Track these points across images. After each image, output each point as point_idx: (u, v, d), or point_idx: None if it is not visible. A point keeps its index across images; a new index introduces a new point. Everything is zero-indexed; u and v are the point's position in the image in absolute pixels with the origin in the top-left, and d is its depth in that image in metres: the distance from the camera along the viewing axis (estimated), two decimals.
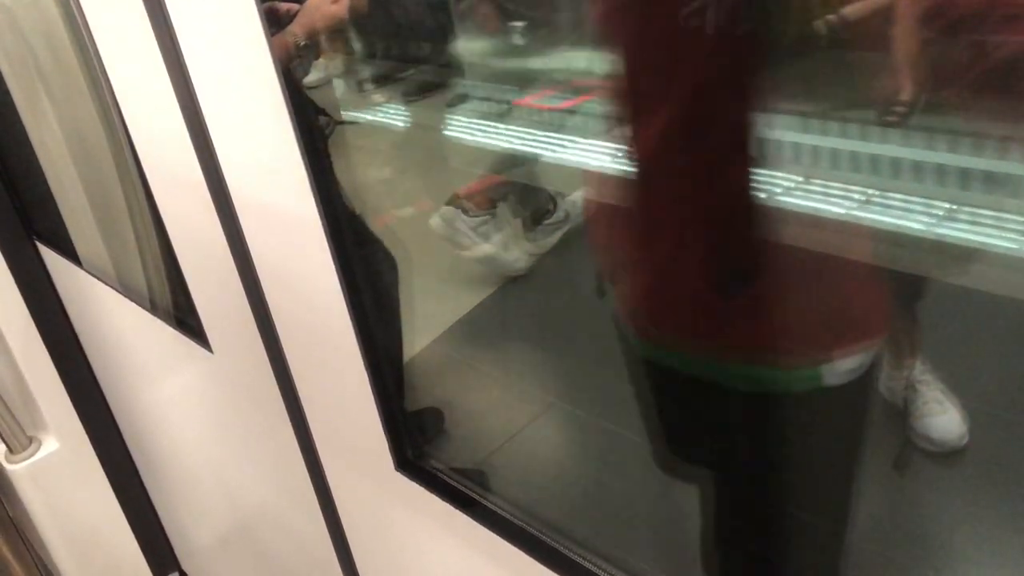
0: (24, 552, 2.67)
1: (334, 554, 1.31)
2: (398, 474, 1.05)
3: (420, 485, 1.02)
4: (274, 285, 1.08)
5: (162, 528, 2.17)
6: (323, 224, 0.92)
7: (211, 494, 1.80)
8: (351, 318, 0.97)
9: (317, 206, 0.92)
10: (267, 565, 1.73)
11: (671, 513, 1.66)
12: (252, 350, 1.18)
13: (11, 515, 2.61)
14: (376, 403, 1.01)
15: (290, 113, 0.88)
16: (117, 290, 1.61)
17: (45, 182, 1.78)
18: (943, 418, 1.47)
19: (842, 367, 0.86)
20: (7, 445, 1.95)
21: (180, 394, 1.63)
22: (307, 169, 0.90)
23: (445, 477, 1.02)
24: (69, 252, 1.76)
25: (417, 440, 1.07)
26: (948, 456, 1.50)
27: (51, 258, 1.83)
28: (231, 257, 1.10)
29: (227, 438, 1.54)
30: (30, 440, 1.98)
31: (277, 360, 1.15)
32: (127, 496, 2.08)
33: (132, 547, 2.15)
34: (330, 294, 0.97)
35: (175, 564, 2.23)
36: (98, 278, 1.66)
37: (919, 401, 1.50)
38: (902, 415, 1.53)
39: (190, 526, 2.07)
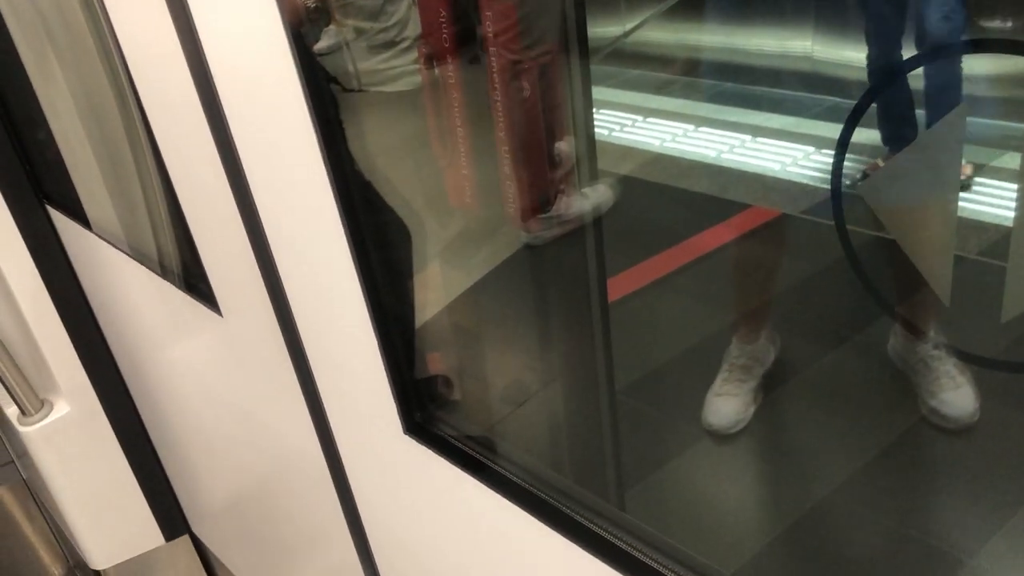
0: (36, 513, 2.71)
1: (343, 517, 1.32)
2: (407, 438, 1.05)
3: (429, 449, 1.03)
4: (285, 251, 1.08)
5: (172, 491, 2.19)
6: (334, 191, 0.92)
7: (220, 458, 1.82)
8: (361, 284, 0.97)
9: (328, 173, 0.91)
10: (276, 528, 1.74)
11: (680, 477, 1.67)
12: (262, 314, 1.18)
13: (24, 477, 2.65)
14: (385, 368, 1.02)
15: (301, 78, 0.87)
16: (127, 253, 1.61)
17: (55, 145, 1.78)
18: (955, 393, 1.46)
19: None
20: (20, 408, 1.97)
21: (190, 357, 1.64)
22: (318, 136, 0.89)
23: (454, 441, 1.02)
24: (79, 215, 1.76)
25: (427, 405, 1.07)
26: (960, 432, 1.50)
27: (61, 221, 1.83)
28: (240, 220, 1.10)
29: (236, 402, 1.54)
30: (42, 403, 1.99)
31: (287, 324, 1.15)
32: (137, 459, 2.10)
33: (143, 509, 2.17)
34: (341, 260, 0.97)
35: (185, 526, 2.25)
36: (108, 241, 1.66)
37: (931, 376, 1.49)
38: (916, 391, 1.52)
39: (200, 489, 2.09)
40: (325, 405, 1.20)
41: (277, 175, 1.01)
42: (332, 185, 0.92)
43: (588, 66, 1.48)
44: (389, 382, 1.02)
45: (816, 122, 1.94)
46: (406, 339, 1.07)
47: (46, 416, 1.99)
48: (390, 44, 1.51)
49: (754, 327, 1.74)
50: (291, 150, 0.94)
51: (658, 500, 1.60)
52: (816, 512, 1.56)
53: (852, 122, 1.03)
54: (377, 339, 1.00)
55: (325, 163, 0.91)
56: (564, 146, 1.56)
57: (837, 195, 1.10)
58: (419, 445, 1.04)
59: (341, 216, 0.93)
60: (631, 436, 1.64)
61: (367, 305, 0.98)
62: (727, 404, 1.69)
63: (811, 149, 2.03)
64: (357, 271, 0.96)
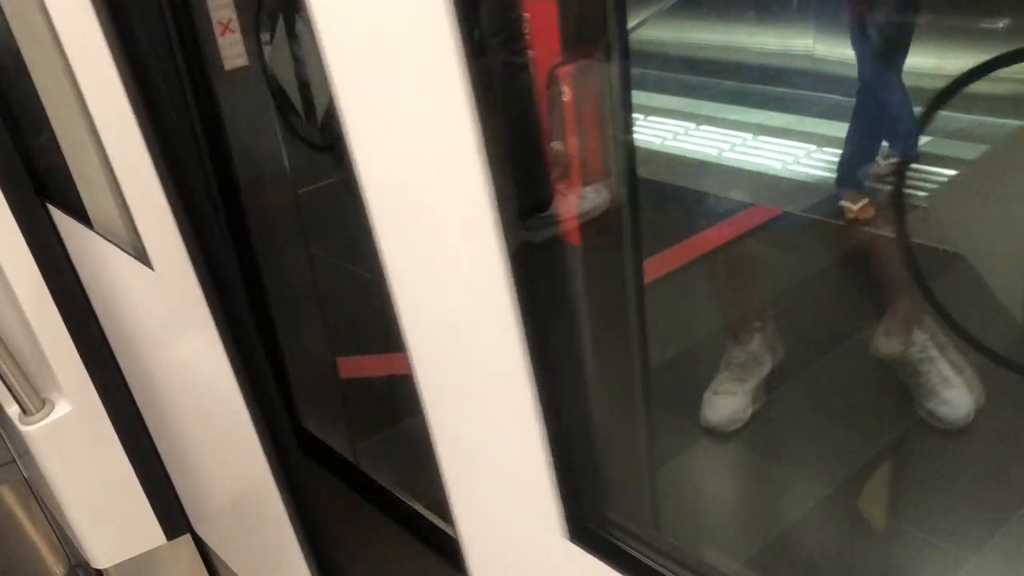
0: (38, 512, 2.72)
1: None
2: (566, 541, 0.76)
3: (595, 556, 0.76)
4: (407, 296, 0.85)
5: (173, 490, 2.19)
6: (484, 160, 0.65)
7: (222, 457, 1.82)
8: (522, 332, 0.67)
9: (481, 155, 0.66)
10: (278, 528, 1.74)
11: (680, 477, 1.66)
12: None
13: (26, 476, 2.65)
14: (546, 450, 0.72)
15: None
16: (128, 252, 1.61)
17: (56, 143, 1.78)
18: (950, 393, 1.46)
19: None
20: (21, 407, 1.97)
21: (191, 356, 1.64)
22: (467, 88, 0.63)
23: (628, 548, 0.76)
24: (80, 214, 1.76)
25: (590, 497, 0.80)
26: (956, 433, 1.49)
27: (62, 220, 1.83)
28: None
29: (239, 401, 1.54)
30: (43, 402, 2.00)
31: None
32: (139, 458, 2.10)
33: (144, 508, 2.17)
34: (494, 294, 0.69)
35: (187, 525, 2.26)
36: (109, 240, 1.67)
37: (925, 379, 1.49)
38: (910, 393, 1.52)
39: (201, 488, 2.09)
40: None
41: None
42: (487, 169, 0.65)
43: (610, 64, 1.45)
44: (551, 470, 0.72)
45: (817, 120, 1.94)
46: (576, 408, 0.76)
47: (47, 415, 1.99)
48: None
49: (749, 327, 1.74)
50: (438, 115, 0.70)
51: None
52: (816, 510, 1.56)
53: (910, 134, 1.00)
54: (539, 413, 0.69)
55: (476, 125, 0.65)
56: (559, 146, 1.56)
57: (900, 205, 1.07)
58: (583, 551, 0.77)
59: (493, 197, 0.65)
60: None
61: (528, 367, 0.67)
62: (725, 402, 1.69)
63: (812, 147, 2.03)
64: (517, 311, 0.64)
